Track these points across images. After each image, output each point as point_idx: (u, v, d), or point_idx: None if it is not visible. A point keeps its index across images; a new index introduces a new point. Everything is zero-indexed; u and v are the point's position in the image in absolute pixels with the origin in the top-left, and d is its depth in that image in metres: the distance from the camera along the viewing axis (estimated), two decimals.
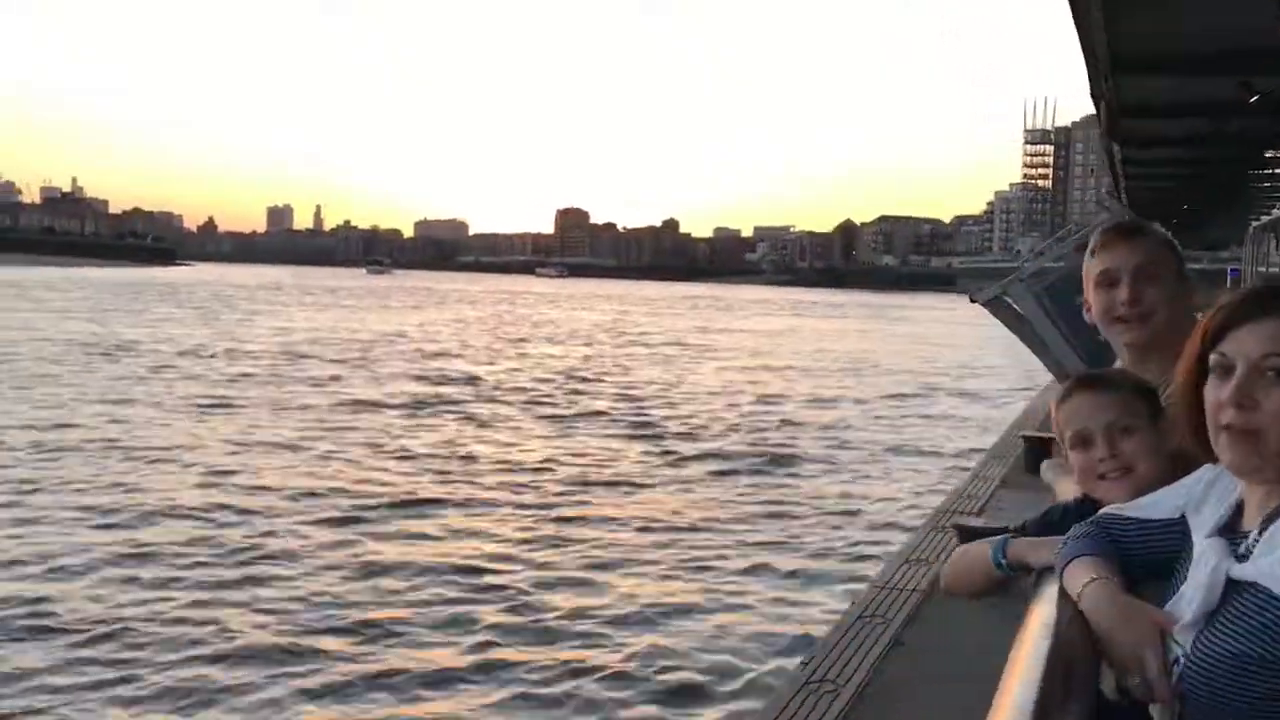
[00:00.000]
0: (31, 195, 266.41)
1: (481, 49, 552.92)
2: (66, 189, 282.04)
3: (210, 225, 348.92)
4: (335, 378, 25.46)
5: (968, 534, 6.57)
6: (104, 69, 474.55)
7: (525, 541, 11.26)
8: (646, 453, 16.62)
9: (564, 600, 9.37)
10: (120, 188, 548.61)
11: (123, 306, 55.68)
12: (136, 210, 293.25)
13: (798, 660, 5.90)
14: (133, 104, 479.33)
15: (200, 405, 20.11)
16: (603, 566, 10.37)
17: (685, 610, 9.12)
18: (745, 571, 10.37)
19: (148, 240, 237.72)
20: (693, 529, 11.97)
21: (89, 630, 8.18)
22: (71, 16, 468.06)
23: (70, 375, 23.85)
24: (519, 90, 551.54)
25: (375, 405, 20.85)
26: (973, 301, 7.56)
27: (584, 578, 10.03)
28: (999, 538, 2.00)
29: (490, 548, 11.00)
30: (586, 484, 14.14)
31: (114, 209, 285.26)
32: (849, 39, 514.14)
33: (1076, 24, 5.58)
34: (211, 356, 29.52)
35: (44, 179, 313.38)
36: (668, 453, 16.68)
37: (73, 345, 30.93)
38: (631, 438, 17.98)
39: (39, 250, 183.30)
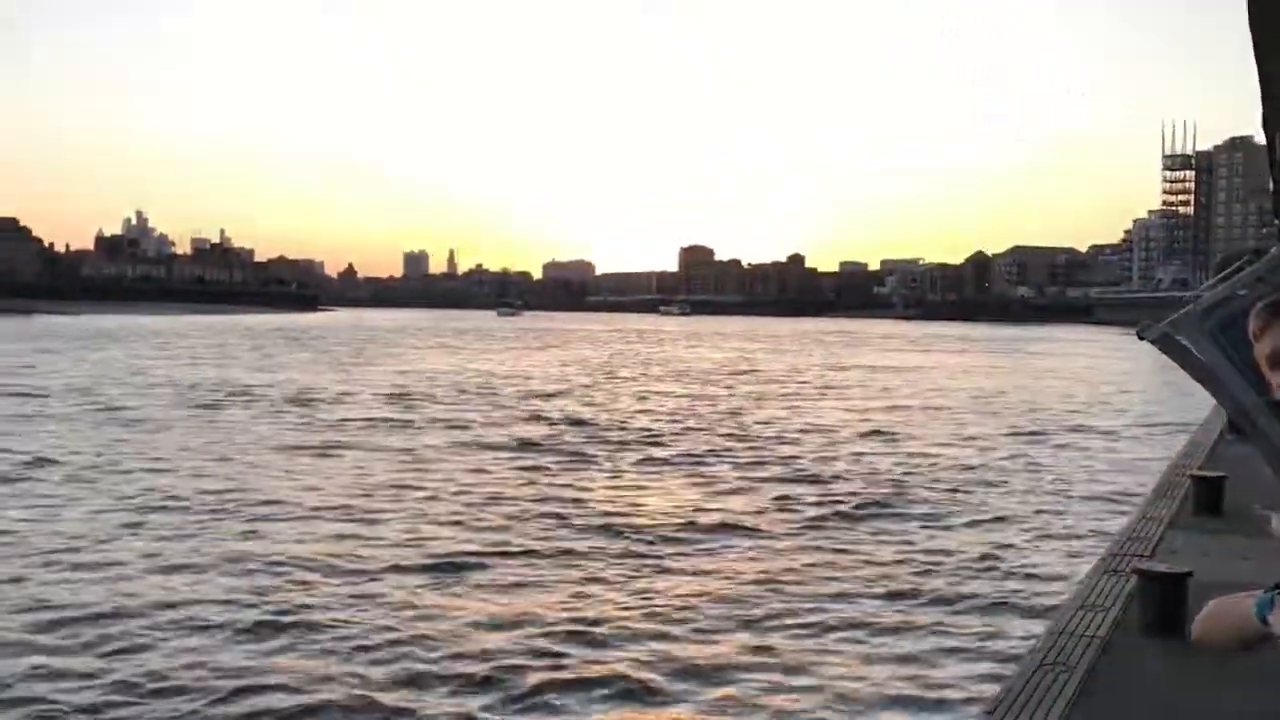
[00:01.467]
0: (183, 247, 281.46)
1: (608, 92, 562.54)
2: (215, 240, 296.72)
3: (350, 272, 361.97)
4: (451, 419, 25.73)
5: (1150, 579, 6.37)
6: (247, 128, 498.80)
7: (640, 592, 10.65)
8: (771, 497, 15.86)
9: (696, 660, 8.75)
10: (266, 237, 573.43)
11: (254, 351, 58.11)
12: (281, 259, 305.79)
13: (978, 709, 5.74)
14: (276, 158, 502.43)
15: (308, 448, 20.50)
16: (732, 620, 9.74)
17: (838, 663, 8.67)
18: (897, 616, 9.96)
19: (292, 287, 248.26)
20: (829, 577, 11.33)
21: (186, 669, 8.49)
22: (219, 90, 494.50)
23: (186, 420, 24.81)
24: (643, 132, 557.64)
25: (489, 447, 21.00)
26: (1140, 338, 7.29)
27: (711, 633, 9.40)
28: (1263, 594, 1.95)
29: (600, 599, 10.43)
30: (705, 531, 13.50)
31: (260, 257, 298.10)
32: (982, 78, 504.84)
33: (1256, 55, 5.42)
34: (330, 400, 30.26)
35: (195, 230, 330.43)
36: (791, 497, 15.86)
37: (195, 390, 32.49)
38: (753, 480, 17.28)
39: (191, 299, 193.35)
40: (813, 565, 11.77)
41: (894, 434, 23.75)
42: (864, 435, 23.55)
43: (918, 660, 8.75)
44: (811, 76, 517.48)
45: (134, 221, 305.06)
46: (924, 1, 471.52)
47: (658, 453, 20.47)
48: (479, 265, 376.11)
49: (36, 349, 54.38)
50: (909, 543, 13.03)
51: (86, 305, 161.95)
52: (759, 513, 14.55)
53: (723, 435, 23.31)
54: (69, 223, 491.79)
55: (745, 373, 46.37)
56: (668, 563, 11.93)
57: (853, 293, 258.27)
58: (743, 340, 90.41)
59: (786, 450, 20.91)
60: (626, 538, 12.92)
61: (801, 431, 24.12)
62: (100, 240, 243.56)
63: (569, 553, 12.39)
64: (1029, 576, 11.56)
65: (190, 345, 63.50)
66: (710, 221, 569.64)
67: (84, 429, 22.49)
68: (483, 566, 11.63)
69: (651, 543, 12.74)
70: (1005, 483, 17.46)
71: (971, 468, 19.01)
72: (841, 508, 15.18)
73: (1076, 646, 5.70)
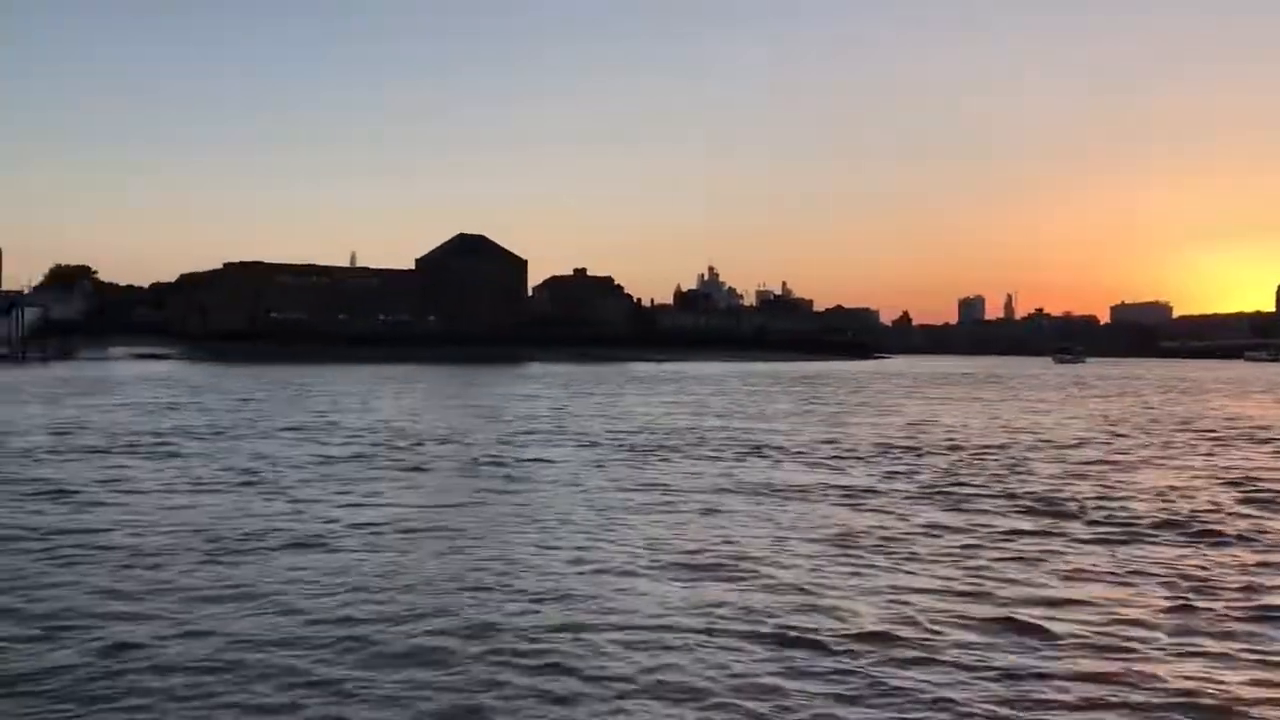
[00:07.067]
0: (750, 299, 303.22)
1: (1195, 105, 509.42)
2: (778, 292, 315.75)
3: (904, 319, 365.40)
4: (897, 473, 24.86)
5: None
6: (807, 185, 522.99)
7: None
8: None
9: None
10: (824, 288, 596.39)
11: (775, 398, 60.68)
12: (838, 308, 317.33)
13: None
14: (835, 211, 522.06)
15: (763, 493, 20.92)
16: None
17: None
18: None
19: (847, 335, 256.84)
20: None
21: None
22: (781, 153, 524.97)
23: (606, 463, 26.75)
24: (1226, 144, 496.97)
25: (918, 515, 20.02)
26: None
27: None
28: None
29: None
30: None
31: (818, 307, 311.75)
32: None
33: None
34: (788, 450, 30.13)
35: (760, 283, 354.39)
36: None
37: (649, 434, 34.49)
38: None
39: (755, 348, 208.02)
40: None
41: None
42: None
43: None
44: None
45: (706, 277, 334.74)
46: None
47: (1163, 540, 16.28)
48: (1038, 309, 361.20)
49: (614, 391, 62.27)
50: None
51: (666, 354, 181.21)
52: None
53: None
54: (654, 280, 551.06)
55: None
56: None
57: None
58: None
59: None
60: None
61: None
62: (678, 295, 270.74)
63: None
64: None
65: (717, 390, 68.38)
66: None
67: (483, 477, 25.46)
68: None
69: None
70: None
71: None
72: None
73: None
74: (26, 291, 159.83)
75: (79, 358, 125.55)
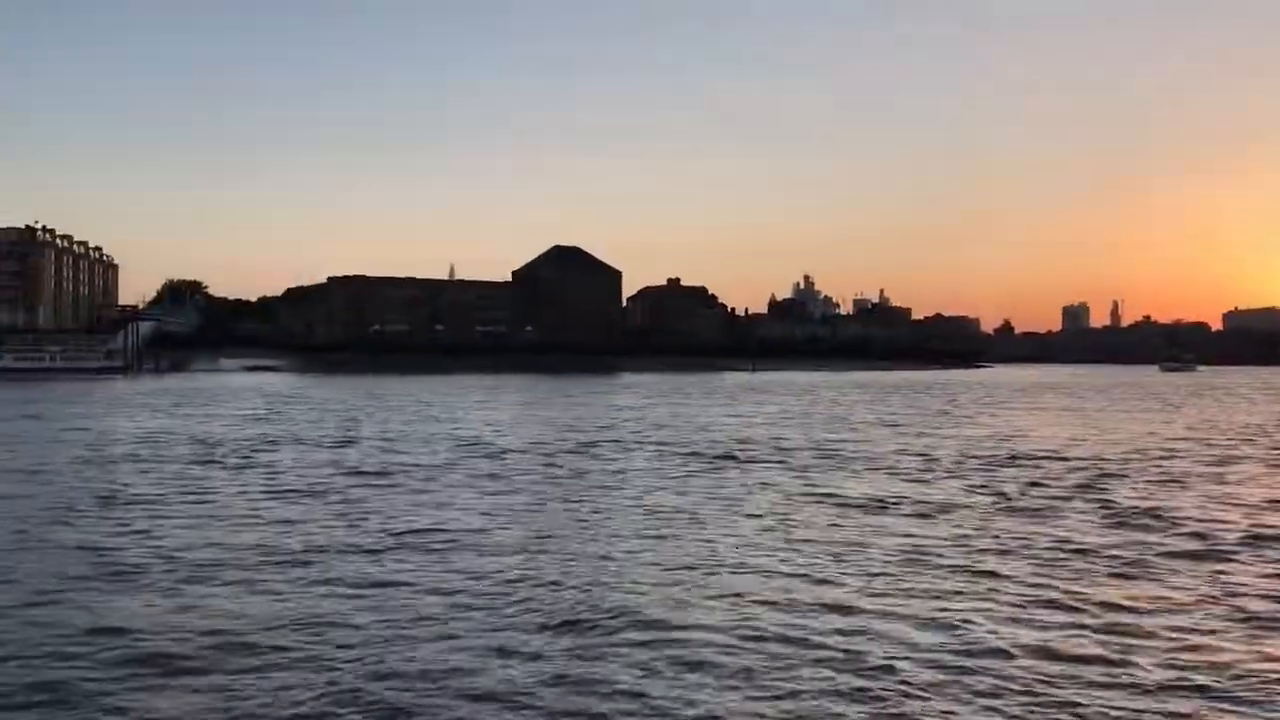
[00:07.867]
0: (846, 307, 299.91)
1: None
2: (876, 300, 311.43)
3: (1006, 327, 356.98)
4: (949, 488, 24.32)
5: None
6: (920, 196, 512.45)
7: None
8: None
9: None
10: (923, 296, 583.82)
11: (856, 407, 59.86)
12: (938, 316, 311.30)
13: None
14: (935, 219, 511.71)
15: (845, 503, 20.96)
16: None
17: None
18: None
19: (946, 345, 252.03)
20: None
21: None
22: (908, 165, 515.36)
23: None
24: None
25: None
26: None
27: None
28: None
29: None
30: None
31: (916, 316, 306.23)
32: None
33: None
34: (864, 459, 30.31)
35: (856, 292, 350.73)
36: None
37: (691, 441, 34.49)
38: None
39: (852, 357, 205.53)
40: None
41: None
42: None
43: None
44: None
45: (802, 286, 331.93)
46: None
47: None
48: (1146, 317, 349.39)
49: (713, 402, 62.31)
50: None
51: (759, 363, 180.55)
52: None
53: None
54: (749, 289, 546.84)
55: None
56: None
57: None
58: None
59: None
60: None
61: None
62: (773, 304, 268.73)
63: None
64: None
65: (809, 400, 67.86)
66: None
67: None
68: None
69: None
70: None
71: None
72: None
73: None
74: (142, 306, 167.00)
75: (191, 369, 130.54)
